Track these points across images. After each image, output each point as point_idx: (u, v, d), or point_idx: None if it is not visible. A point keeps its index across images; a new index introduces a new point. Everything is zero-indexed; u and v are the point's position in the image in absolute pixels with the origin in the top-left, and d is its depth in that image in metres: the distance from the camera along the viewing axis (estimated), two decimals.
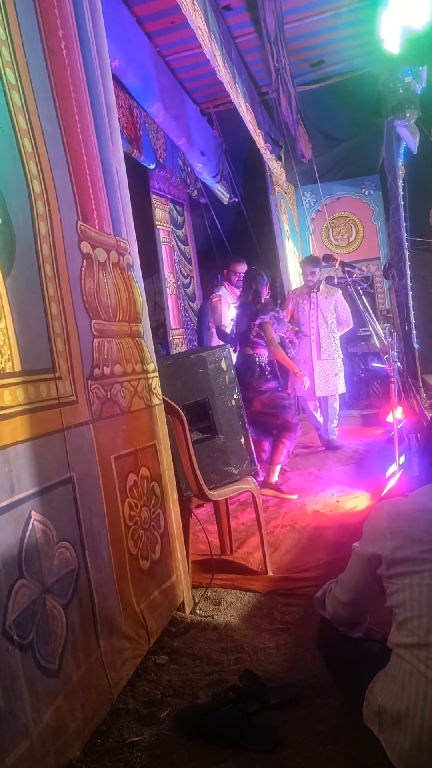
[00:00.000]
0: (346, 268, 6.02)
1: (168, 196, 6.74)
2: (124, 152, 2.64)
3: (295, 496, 4.23)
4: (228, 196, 6.83)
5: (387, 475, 4.28)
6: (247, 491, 3.08)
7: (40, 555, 1.64)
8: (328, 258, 6.08)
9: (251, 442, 3.32)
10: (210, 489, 2.81)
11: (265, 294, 4.59)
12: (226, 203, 6.91)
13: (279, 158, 6.94)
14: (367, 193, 8.06)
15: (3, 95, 1.74)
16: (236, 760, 1.68)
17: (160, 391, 2.62)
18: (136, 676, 2.11)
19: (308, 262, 5.66)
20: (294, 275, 7.18)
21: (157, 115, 4.89)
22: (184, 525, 2.73)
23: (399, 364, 4.75)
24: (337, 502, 4.01)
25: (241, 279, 5.49)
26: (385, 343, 4.61)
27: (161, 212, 6.56)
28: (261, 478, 4.30)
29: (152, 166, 5.71)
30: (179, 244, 6.96)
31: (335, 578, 1.84)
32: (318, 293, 5.52)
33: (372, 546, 1.62)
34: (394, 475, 4.16)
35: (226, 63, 4.49)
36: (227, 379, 2.95)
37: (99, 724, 1.84)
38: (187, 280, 7.07)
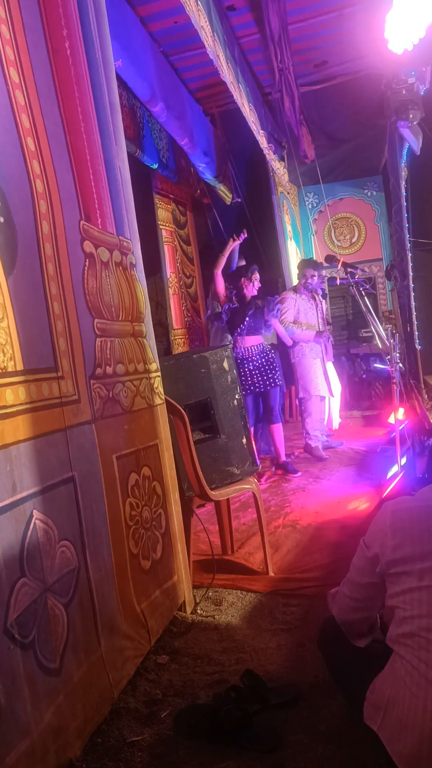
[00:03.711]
0: (349, 269, 6.00)
1: (171, 196, 6.73)
2: (127, 152, 2.63)
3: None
4: (231, 196, 6.83)
5: (388, 477, 4.28)
6: (248, 491, 3.08)
7: (41, 554, 1.64)
8: (331, 259, 6.08)
9: (252, 441, 3.34)
10: (211, 489, 2.81)
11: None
12: (228, 203, 6.91)
13: (282, 159, 6.93)
14: (369, 194, 8.05)
15: (7, 94, 1.74)
16: (237, 759, 1.68)
17: (162, 391, 2.62)
18: (137, 675, 2.11)
19: (308, 265, 5.66)
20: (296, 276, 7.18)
21: (160, 115, 4.89)
22: (185, 525, 2.73)
23: (401, 365, 4.75)
24: (339, 502, 4.01)
25: None
26: (387, 344, 4.60)
27: (164, 212, 6.55)
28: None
29: (155, 166, 5.71)
30: (182, 244, 6.96)
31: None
32: (318, 296, 5.57)
33: (374, 545, 1.61)
34: (395, 476, 4.15)
35: (230, 63, 4.49)
36: (229, 379, 2.95)
37: (99, 724, 1.84)
38: (189, 280, 7.07)
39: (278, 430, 5.00)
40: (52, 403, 1.78)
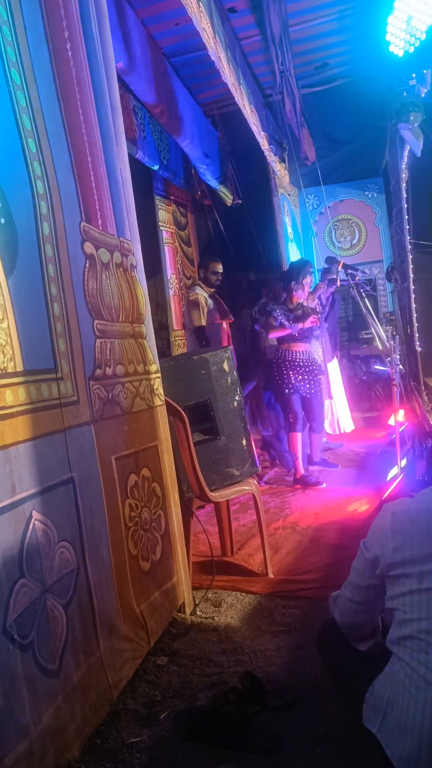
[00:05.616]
0: (349, 271, 6.01)
1: (171, 197, 6.73)
2: (128, 153, 2.64)
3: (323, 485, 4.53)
4: (231, 197, 6.82)
5: (388, 478, 4.27)
6: (248, 493, 3.08)
7: (40, 555, 1.64)
8: (331, 260, 6.08)
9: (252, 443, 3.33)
10: (211, 490, 2.81)
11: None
12: (229, 205, 6.90)
13: (283, 160, 6.93)
14: (370, 195, 8.05)
15: (8, 95, 1.75)
16: (235, 761, 1.68)
17: (162, 392, 2.62)
18: (135, 676, 2.11)
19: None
20: None
21: (161, 116, 4.89)
22: (185, 526, 2.73)
23: (401, 366, 4.75)
24: (339, 504, 4.01)
25: (219, 279, 5.42)
26: (388, 345, 4.61)
27: (164, 213, 6.55)
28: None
29: (156, 168, 5.71)
30: (182, 245, 6.96)
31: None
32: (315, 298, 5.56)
33: (374, 547, 1.61)
34: (395, 478, 4.15)
35: (231, 65, 4.49)
36: (229, 381, 2.95)
37: (98, 725, 1.84)
38: (189, 281, 7.06)
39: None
40: (51, 404, 1.78)
